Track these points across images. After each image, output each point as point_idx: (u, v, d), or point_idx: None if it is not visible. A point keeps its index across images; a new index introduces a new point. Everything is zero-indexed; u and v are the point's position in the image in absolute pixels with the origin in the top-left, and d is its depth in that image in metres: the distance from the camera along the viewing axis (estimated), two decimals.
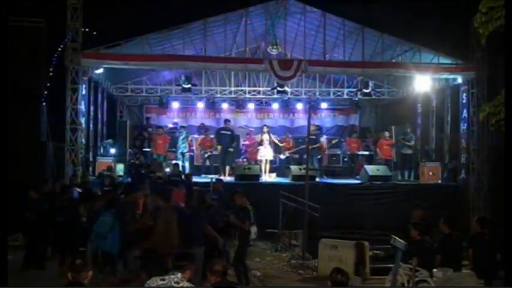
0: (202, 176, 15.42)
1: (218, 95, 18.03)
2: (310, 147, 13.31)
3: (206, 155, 16.23)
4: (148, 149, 16.40)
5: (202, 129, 17.48)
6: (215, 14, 14.53)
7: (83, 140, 13.73)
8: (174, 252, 6.80)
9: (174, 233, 7.91)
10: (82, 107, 13.50)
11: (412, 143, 15.87)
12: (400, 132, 16.14)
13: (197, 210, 8.55)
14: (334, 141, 17.68)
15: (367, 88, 16.90)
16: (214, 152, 15.98)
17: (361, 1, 16.92)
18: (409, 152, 15.82)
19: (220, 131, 16.07)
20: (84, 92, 13.66)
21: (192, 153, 16.82)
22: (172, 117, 19.55)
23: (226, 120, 16.35)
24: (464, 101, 14.90)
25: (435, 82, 15.78)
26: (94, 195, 10.25)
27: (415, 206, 8.32)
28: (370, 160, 16.52)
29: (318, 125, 17.75)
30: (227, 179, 14.44)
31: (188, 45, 15.30)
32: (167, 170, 14.29)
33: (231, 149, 15.70)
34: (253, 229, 8.62)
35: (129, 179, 13.61)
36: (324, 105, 19.26)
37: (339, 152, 17.70)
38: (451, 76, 15.14)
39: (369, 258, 9.63)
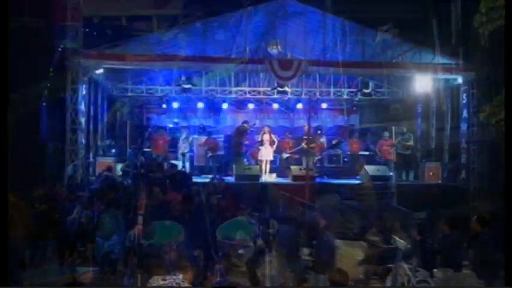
0: (203, 176, 15.41)
1: (218, 95, 18.01)
2: (308, 147, 13.26)
3: (208, 155, 16.21)
4: (148, 149, 16.39)
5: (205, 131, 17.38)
6: (215, 14, 14.52)
7: (83, 140, 13.72)
8: None
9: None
10: (82, 107, 13.50)
11: (411, 142, 15.84)
12: (398, 133, 16.13)
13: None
14: (334, 142, 17.66)
15: (367, 88, 16.88)
16: (217, 153, 15.97)
17: (361, 1, 16.88)
18: (408, 152, 15.80)
19: (241, 134, 15.79)
20: (84, 92, 13.66)
21: (192, 153, 16.81)
22: (172, 117, 19.54)
23: (245, 122, 16.07)
24: (464, 101, 14.90)
25: (435, 82, 15.77)
26: (93, 195, 10.24)
27: None
28: (370, 160, 16.51)
29: (317, 125, 17.78)
30: (229, 178, 14.43)
31: (188, 45, 15.28)
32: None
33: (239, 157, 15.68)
34: None
35: (128, 180, 13.57)
36: (324, 105, 19.25)
37: (339, 152, 17.68)
38: (451, 76, 15.13)
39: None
